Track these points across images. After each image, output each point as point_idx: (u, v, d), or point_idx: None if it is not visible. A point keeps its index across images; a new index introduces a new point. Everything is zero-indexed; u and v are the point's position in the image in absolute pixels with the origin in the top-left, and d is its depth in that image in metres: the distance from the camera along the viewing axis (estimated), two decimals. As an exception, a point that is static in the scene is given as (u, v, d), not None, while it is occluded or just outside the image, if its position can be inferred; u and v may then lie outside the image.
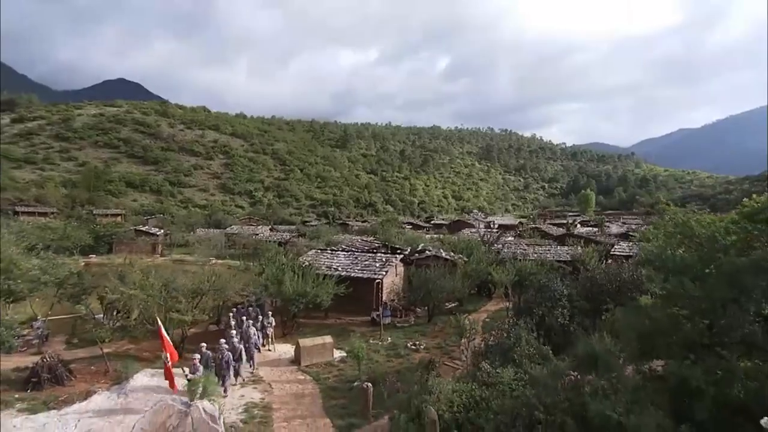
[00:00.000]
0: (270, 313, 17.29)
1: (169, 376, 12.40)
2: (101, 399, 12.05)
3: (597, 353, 7.54)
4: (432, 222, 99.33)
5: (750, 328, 4.76)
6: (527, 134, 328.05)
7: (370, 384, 11.37)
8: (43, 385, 12.91)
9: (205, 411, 6.74)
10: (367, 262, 24.09)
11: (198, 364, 12.18)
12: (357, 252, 27.24)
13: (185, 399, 7.29)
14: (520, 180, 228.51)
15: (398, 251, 29.88)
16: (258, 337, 16.07)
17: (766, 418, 4.12)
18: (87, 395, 12.26)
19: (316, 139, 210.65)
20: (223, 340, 13.35)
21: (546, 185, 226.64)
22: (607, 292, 12.55)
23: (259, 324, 16.70)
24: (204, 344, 13.33)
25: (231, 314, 17.06)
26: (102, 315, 17.32)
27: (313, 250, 28.32)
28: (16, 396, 12.33)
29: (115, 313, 14.86)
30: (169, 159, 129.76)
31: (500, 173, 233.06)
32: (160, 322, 12.51)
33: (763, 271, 5.66)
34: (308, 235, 56.32)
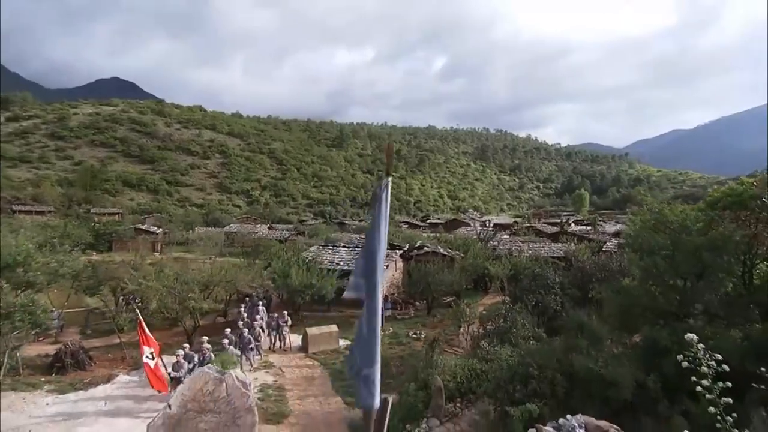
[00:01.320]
0: (285, 313, 17.10)
1: (152, 377, 10.93)
2: (124, 381, 12.84)
3: (584, 322, 8.44)
4: (428, 221, 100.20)
5: (708, 298, 5.57)
6: (522, 134, 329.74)
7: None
8: (67, 369, 13.67)
9: (237, 379, 7.55)
10: (368, 258, 24.92)
11: (182, 361, 11.65)
12: (358, 248, 28.07)
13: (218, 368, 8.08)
14: (515, 180, 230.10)
15: (397, 248, 30.73)
16: (269, 335, 16.49)
17: None
18: (110, 378, 13.05)
19: (312, 138, 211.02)
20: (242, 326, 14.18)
21: (541, 185, 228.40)
22: (597, 279, 13.49)
23: (267, 320, 17.17)
24: (187, 346, 13.01)
25: (243, 306, 17.78)
26: (114, 307, 18.04)
27: (315, 246, 29.13)
28: (43, 379, 13.09)
29: (132, 302, 15.56)
30: (166, 158, 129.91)
31: (495, 173, 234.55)
32: (140, 315, 11.55)
33: (718, 249, 6.58)
34: (307, 233, 57.06)
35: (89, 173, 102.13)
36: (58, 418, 10.26)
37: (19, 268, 15.93)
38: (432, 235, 51.95)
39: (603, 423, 4.85)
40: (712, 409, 2.95)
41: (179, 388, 7.64)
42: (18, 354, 12.81)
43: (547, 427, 5.13)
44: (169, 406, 7.20)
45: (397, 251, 27.45)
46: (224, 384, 7.39)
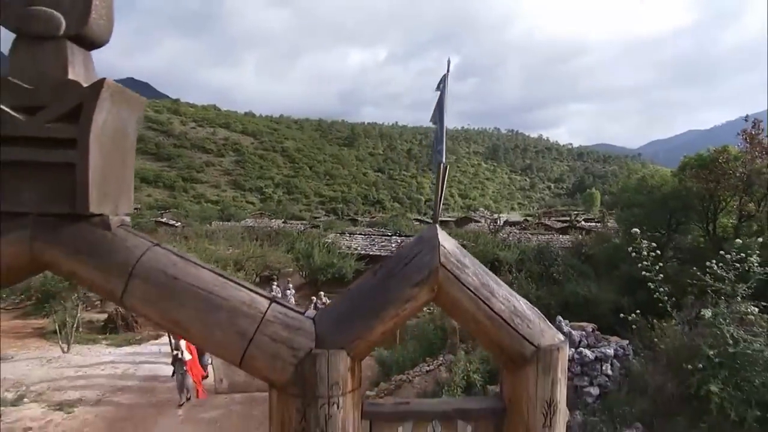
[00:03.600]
0: (321, 293, 17.57)
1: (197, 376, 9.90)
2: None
3: (574, 264, 9.71)
4: (439, 219, 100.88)
5: (678, 245, 6.74)
6: (534, 135, 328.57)
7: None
8: (118, 330, 15.31)
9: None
10: (383, 243, 26.34)
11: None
12: (373, 235, 29.49)
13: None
14: (526, 180, 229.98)
15: (410, 237, 32.06)
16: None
17: None
18: (158, 336, 14.61)
19: (324, 137, 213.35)
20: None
21: (552, 185, 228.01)
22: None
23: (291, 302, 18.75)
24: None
25: (274, 284, 19.26)
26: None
27: (333, 234, 30.62)
28: (100, 336, 14.73)
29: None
30: (182, 156, 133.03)
31: (506, 173, 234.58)
32: None
33: (682, 199, 7.89)
34: (322, 226, 58.65)
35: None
36: (121, 360, 11.80)
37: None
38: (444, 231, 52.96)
39: (583, 323, 6.11)
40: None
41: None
42: (78, 316, 14.45)
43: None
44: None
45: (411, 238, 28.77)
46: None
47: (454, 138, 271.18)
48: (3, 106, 2.31)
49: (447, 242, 2.57)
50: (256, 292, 2.58)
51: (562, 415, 2.69)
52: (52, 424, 7.72)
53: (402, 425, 2.71)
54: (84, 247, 2.40)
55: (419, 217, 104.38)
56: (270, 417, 2.64)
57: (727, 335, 4.50)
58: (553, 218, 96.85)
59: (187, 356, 9.31)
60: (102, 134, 2.39)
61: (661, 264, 5.83)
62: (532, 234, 37.83)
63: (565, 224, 65.79)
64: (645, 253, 4.88)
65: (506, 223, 71.36)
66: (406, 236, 32.09)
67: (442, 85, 2.70)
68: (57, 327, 12.24)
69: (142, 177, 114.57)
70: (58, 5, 2.36)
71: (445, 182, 2.77)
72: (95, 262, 2.40)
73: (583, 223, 70.08)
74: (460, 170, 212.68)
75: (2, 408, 7.40)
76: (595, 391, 5.90)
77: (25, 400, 8.29)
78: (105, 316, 16.80)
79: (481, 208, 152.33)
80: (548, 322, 2.76)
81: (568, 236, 35.76)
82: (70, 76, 2.40)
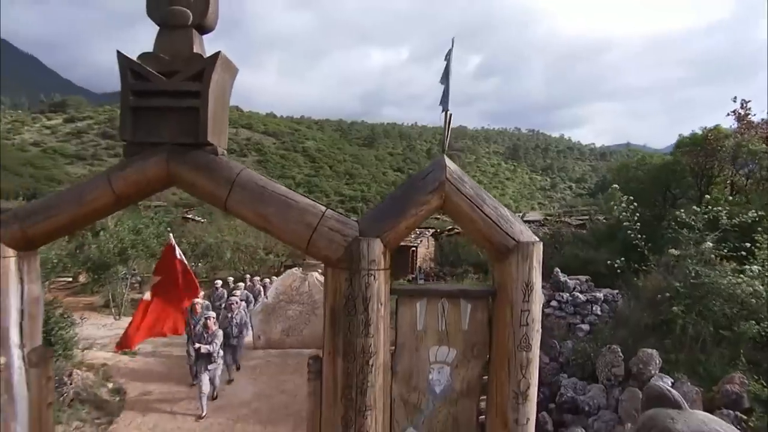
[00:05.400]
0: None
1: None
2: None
3: (579, 235, 10.55)
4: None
5: (669, 210, 7.48)
6: (555, 134, 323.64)
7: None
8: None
9: (317, 279, 10.07)
10: (403, 234, 27.40)
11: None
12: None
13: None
14: (546, 180, 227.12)
15: (428, 227, 33.02)
16: None
17: None
18: (196, 310, 15.95)
19: (344, 137, 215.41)
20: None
21: (573, 185, 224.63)
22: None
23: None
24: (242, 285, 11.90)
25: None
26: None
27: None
28: (143, 310, 16.16)
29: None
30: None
31: (527, 173, 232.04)
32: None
33: (675, 173, 8.64)
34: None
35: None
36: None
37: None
38: (462, 226, 53.72)
39: (579, 276, 6.96)
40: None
41: (274, 284, 10.28)
42: (127, 287, 15.95)
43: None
44: (266, 297, 9.82)
45: (429, 231, 29.71)
46: (307, 282, 9.94)
47: (474, 138, 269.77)
48: (152, 71, 3.46)
49: (451, 165, 3.60)
50: (317, 201, 3.67)
51: (538, 295, 3.67)
52: (121, 363, 9.04)
53: (420, 301, 3.75)
54: (202, 165, 3.54)
55: (438, 216, 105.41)
56: (325, 289, 3.72)
57: (691, 270, 5.35)
58: (574, 217, 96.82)
59: (214, 346, 7.30)
60: (215, 89, 3.52)
61: (638, 214, 6.71)
62: (549, 230, 38.29)
63: (583, 221, 65.77)
64: (624, 204, 5.81)
65: (525, 221, 71.85)
66: (424, 228, 33.12)
67: (448, 56, 3.72)
68: (110, 296, 13.65)
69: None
70: (188, 5, 3.50)
71: (450, 126, 3.77)
72: (209, 176, 3.53)
73: (602, 219, 70.22)
74: (480, 170, 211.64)
75: (83, 350, 8.73)
76: (586, 327, 6.80)
77: (95, 348, 9.64)
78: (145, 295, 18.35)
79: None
80: (527, 227, 3.76)
81: (585, 231, 36.24)
82: (195, 51, 3.54)
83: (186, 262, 8.23)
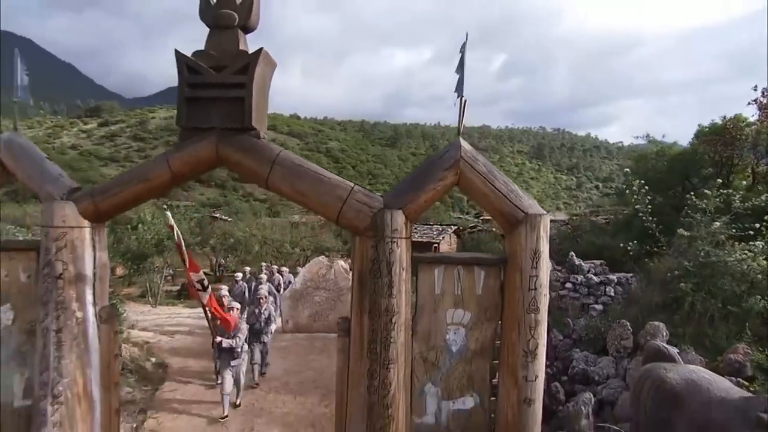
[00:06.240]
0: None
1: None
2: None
3: (598, 225, 10.82)
4: (480, 218, 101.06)
5: (689, 201, 7.55)
6: (581, 133, 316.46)
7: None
8: (191, 297, 17.65)
9: (342, 266, 10.60)
10: (425, 231, 27.71)
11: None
12: (416, 225, 30.92)
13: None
14: (572, 179, 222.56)
15: (450, 224, 33.26)
16: None
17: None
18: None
19: (367, 138, 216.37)
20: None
21: (600, 185, 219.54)
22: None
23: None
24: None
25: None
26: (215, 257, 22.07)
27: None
28: (176, 301, 17.07)
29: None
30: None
31: (552, 172, 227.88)
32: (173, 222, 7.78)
33: (694, 162, 8.74)
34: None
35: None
36: (198, 315, 13.87)
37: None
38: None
39: (594, 260, 7.20)
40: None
41: (302, 271, 10.86)
42: (163, 277, 16.86)
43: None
44: (295, 283, 10.40)
45: (451, 227, 29.96)
46: (333, 269, 10.47)
47: (498, 137, 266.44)
48: (204, 66, 4.00)
49: (466, 146, 4.01)
50: (343, 179, 4.14)
51: (545, 262, 4.05)
52: (162, 341, 9.77)
53: (438, 267, 4.17)
54: (246, 147, 4.05)
55: (460, 216, 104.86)
56: (353, 256, 4.18)
57: (701, 251, 5.57)
58: (600, 216, 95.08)
59: (237, 341, 6.69)
60: (257, 81, 4.03)
61: (650, 197, 6.92)
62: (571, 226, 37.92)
63: (608, 219, 64.73)
64: (636, 188, 6.06)
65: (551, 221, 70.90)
66: (446, 225, 33.38)
67: (462, 49, 4.13)
68: (147, 285, 14.55)
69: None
70: (235, 9, 4.03)
71: (465, 111, 4.17)
72: (252, 156, 4.05)
73: (624, 211, 68.75)
74: (504, 169, 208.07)
75: (127, 330, 9.49)
76: (599, 307, 7.06)
77: (137, 329, 10.42)
78: (178, 287, 19.29)
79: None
80: (536, 202, 4.14)
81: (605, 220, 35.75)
82: (240, 48, 4.06)
83: (182, 240, 7.53)
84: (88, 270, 4.23)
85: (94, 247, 4.31)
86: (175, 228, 7.54)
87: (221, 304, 7.60)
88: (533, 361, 4.00)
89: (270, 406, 6.89)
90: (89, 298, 4.24)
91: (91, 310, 4.25)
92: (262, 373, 8.08)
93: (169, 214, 8.41)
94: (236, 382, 6.89)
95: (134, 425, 6.15)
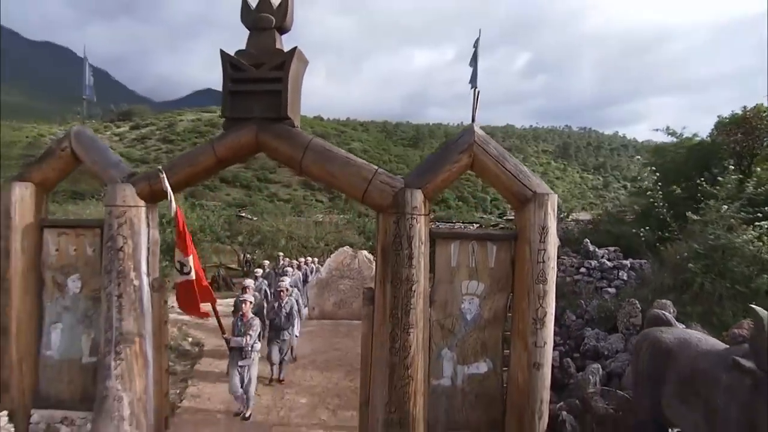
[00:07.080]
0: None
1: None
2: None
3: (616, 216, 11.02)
4: (504, 218, 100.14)
5: (700, 187, 7.64)
6: (608, 132, 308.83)
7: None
8: (220, 288, 18.43)
9: (366, 256, 11.09)
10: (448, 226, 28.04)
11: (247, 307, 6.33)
12: (438, 222, 31.22)
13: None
14: (599, 179, 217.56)
15: (473, 223, 33.41)
16: None
17: None
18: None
19: (389, 138, 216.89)
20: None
21: (628, 184, 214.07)
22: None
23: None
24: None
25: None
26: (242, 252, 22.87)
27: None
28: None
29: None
30: (257, 157, 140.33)
31: (578, 171, 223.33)
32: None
33: (714, 152, 8.79)
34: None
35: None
36: (229, 305, 14.59)
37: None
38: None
39: (609, 247, 7.43)
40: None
41: (327, 261, 11.40)
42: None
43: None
44: (321, 272, 10.94)
45: (473, 225, 30.12)
46: (357, 259, 10.97)
47: (523, 137, 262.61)
48: (245, 63, 4.52)
49: (479, 131, 4.41)
50: (368, 162, 4.60)
51: (552, 237, 4.40)
52: (197, 323, 10.45)
53: (453, 242, 4.58)
54: (283, 134, 4.56)
55: (484, 216, 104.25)
56: (377, 231, 4.62)
57: (712, 234, 5.76)
58: (627, 216, 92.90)
59: (248, 339, 5.74)
60: (292, 76, 4.53)
61: (660, 186, 7.11)
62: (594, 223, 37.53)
63: (633, 215, 63.31)
64: (646, 174, 6.30)
65: (576, 220, 70.06)
66: (468, 223, 33.58)
67: (476, 44, 4.53)
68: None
69: (222, 177, 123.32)
70: (272, 12, 4.54)
71: (478, 101, 4.57)
72: (288, 142, 4.55)
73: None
74: (528, 169, 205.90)
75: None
76: (612, 290, 7.28)
77: (173, 313, 11.15)
78: (209, 279, 20.22)
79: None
80: (545, 183, 4.50)
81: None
82: (277, 47, 4.57)
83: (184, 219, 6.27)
84: (144, 244, 4.82)
85: (148, 224, 4.90)
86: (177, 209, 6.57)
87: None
88: (542, 328, 4.37)
89: (299, 380, 7.41)
90: (144, 268, 4.83)
91: (146, 279, 4.84)
92: (280, 380, 7.21)
93: (173, 200, 8.02)
94: (245, 388, 5.84)
95: (177, 391, 6.77)
